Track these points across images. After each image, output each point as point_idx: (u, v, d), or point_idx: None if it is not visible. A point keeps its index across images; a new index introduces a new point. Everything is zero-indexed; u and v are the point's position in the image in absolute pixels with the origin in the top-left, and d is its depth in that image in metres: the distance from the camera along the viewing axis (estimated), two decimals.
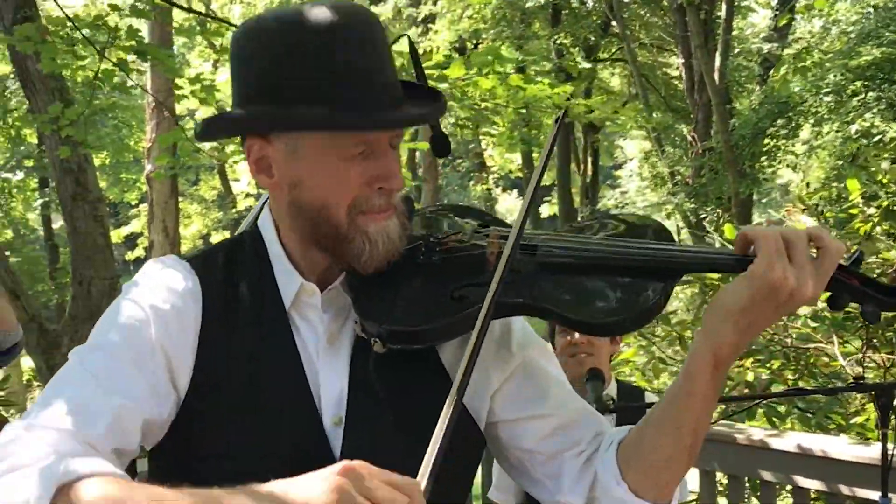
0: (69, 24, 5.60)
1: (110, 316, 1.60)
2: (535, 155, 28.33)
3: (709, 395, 1.55)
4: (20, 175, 25.39)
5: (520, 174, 29.49)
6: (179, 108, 15.89)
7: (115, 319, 1.58)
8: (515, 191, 39.60)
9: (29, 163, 23.48)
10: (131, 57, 6.11)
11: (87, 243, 10.57)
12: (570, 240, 1.64)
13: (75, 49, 6.04)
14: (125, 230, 25.67)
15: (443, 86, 6.15)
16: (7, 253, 24.12)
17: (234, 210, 24.62)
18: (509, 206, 44.81)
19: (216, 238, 29.12)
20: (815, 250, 1.50)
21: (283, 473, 1.49)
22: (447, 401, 1.37)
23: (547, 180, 31.07)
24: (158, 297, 1.59)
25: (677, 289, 5.54)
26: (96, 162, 23.14)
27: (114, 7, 5.62)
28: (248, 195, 24.13)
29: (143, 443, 1.55)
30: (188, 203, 26.81)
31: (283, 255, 1.66)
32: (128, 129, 24.40)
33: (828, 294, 1.57)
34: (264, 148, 1.60)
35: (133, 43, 5.59)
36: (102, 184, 24.62)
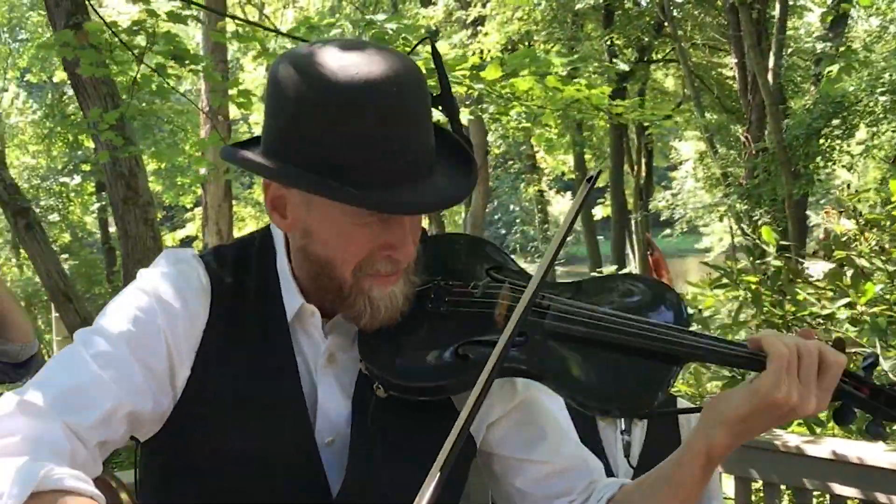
0: (108, 29, 5.67)
1: (120, 301, 1.58)
2: (587, 157, 28.25)
3: (696, 485, 1.56)
4: (78, 179, 25.80)
5: (572, 176, 29.35)
6: (234, 112, 16.03)
7: (124, 306, 1.56)
8: (569, 193, 39.43)
9: (86, 167, 23.84)
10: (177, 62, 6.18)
11: (138, 246, 10.69)
12: (583, 309, 1.58)
13: (114, 54, 6.10)
14: (181, 233, 25.99)
15: (478, 86, 6.15)
16: (65, 256, 24.58)
17: None
18: (562, 208, 44.66)
19: None
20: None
21: (271, 483, 1.50)
22: (447, 443, 1.33)
23: (600, 182, 30.96)
24: (170, 290, 1.57)
25: (718, 292, 5.51)
26: (153, 166, 23.49)
27: (151, 13, 5.69)
28: None
29: (130, 433, 1.54)
30: (242, 206, 27.04)
31: (288, 272, 1.63)
32: (183, 133, 24.70)
33: (836, 406, 1.54)
34: (281, 190, 1.55)
35: (171, 48, 5.65)
36: (158, 187, 25.00)
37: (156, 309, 1.55)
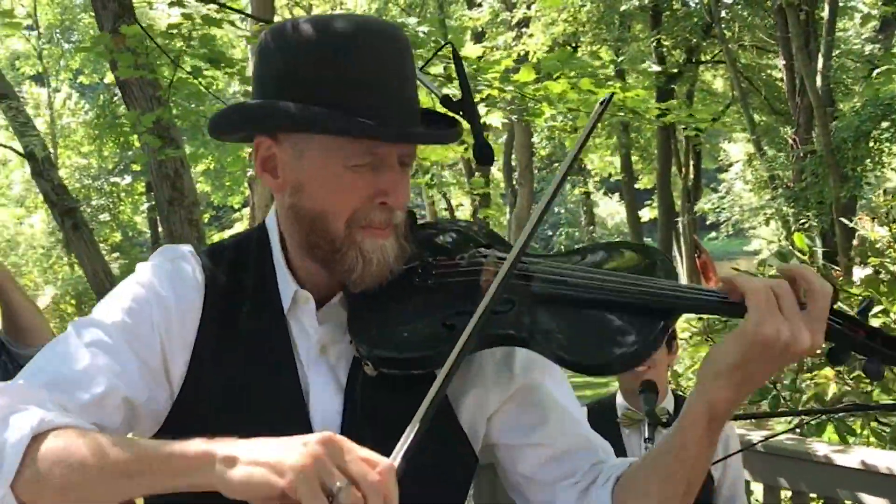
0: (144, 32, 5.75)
1: (116, 294, 1.61)
2: (634, 158, 28.09)
3: (703, 448, 1.51)
4: (128, 179, 26.15)
5: (619, 177, 29.19)
6: None
7: (120, 298, 1.60)
8: (617, 194, 39.25)
9: (136, 167, 24.15)
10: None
11: None
12: (567, 271, 1.59)
13: (150, 57, 6.19)
14: (228, 233, 26.21)
15: (508, 89, 6.14)
16: (116, 255, 24.90)
17: None
18: (611, 209, 44.46)
19: None
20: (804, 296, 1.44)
21: None
22: (427, 398, 1.35)
23: (647, 183, 30.75)
24: (165, 284, 1.60)
25: None
26: (201, 167, 23.72)
27: (187, 16, 5.76)
28: None
29: (126, 425, 1.54)
30: None
31: (282, 260, 1.65)
32: None
33: (829, 346, 1.51)
34: (272, 147, 1.58)
35: (206, 51, 5.73)
36: (207, 188, 25.27)
37: (150, 303, 1.58)
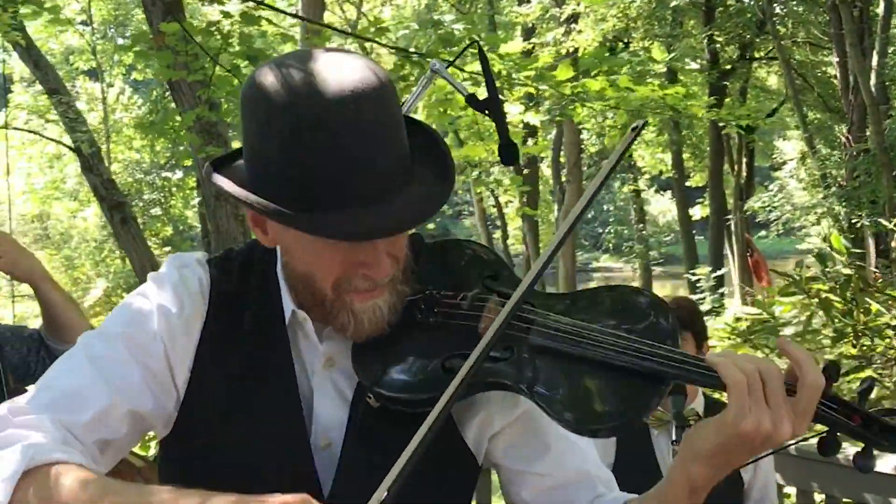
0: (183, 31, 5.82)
1: (123, 306, 1.66)
2: (685, 155, 27.83)
3: None
4: (179, 174, 26.42)
5: (671, 174, 28.94)
6: None
7: (125, 309, 1.65)
8: (668, 192, 38.91)
9: (188, 162, 24.39)
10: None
11: (228, 242, 10.91)
12: (568, 325, 1.56)
13: (196, 56, 6.25)
14: None
15: (542, 87, 6.12)
16: (167, 248, 25.16)
17: None
18: (662, 207, 44.13)
19: None
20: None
21: (265, 483, 1.51)
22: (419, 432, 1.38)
23: (699, 181, 30.46)
24: (168, 294, 1.63)
25: (787, 300, 5.39)
26: None
27: (226, 15, 5.82)
28: None
29: (134, 433, 1.59)
30: None
31: (283, 279, 1.66)
32: None
33: (822, 435, 1.45)
34: None
35: (245, 49, 5.77)
36: None
37: (153, 312, 1.61)
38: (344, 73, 1.46)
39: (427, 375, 1.58)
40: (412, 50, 6.69)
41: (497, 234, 29.32)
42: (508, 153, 2.45)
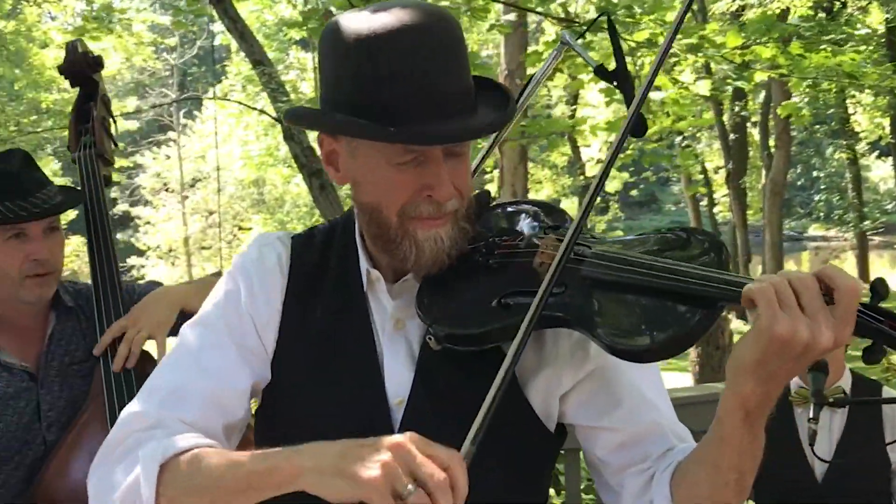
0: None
1: (215, 290, 1.82)
2: None
3: (745, 441, 1.50)
4: None
5: (891, 139, 27.43)
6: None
7: (216, 294, 1.81)
8: (890, 158, 36.90)
9: None
10: None
11: None
12: (618, 255, 1.61)
13: None
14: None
15: (710, 53, 5.94)
16: None
17: (582, 177, 24.86)
18: (884, 173, 41.86)
19: (565, 203, 29.58)
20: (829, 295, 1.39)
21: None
22: (497, 379, 1.44)
23: None
24: (250, 271, 1.79)
25: None
26: None
27: None
28: (598, 161, 24.27)
29: (247, 409, 1.75)
30: (539, 168, 27.40)
31: (360, 242, 1.78)
32: None
33: (867, 345, 1.43)
34: (333, 144, 1.71)
35: None
36: None
37: (237, 291, 1.77)
38: (411, 11, 1.60)
39: (484, 310, 1.64)
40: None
41: (704, 202, 28.66)
42: (637, 124, 2.49)
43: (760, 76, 6.52)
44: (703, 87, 6.50)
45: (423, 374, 1.70)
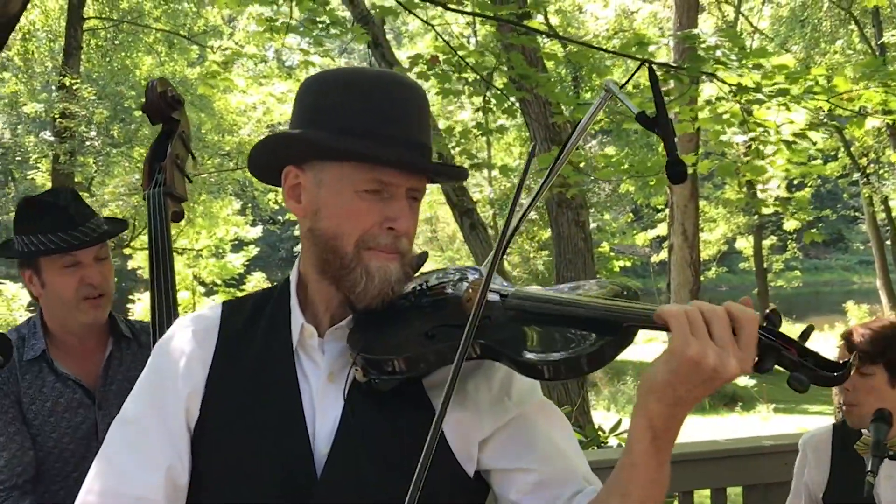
0: (452, 53, 6.05)
1: (138, 383, 1.86)
2: None
3: (651, 465, 1.57)
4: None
5: None
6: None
7: (139, 387, 1.85)
8: None
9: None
10: None
11: (569, 247, 11.14)
12: (535, 293, 1.75)
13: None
14: (651, 233, 26.35)
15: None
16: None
17: (756, 216, 24.17)
18: None
19: (740, 243, 28.78)
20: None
21: (275, 499, 1.69)
22: (429, 436, 1.50)
23: None
24: (165, 357, 1.85)
25: None
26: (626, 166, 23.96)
27: (470, 23, 5.98)
28: (777, 199, 23.50)
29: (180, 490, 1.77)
30: (713, 207, 26.78)
31: (295, 296, 1.83)
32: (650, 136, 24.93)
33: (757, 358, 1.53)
34: (298, 176, 1.78)
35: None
36: (631, 187, 25.52)
37: (160, 376, 1.83)
38: (399, 75, 1.81)
39: (411, 340, 1.73)
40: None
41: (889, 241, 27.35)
42: (676, 171, 2.52)
43: (872, 120, 6.21)
44: (817, 134, 6.23)
45: (348, 418, 1.73)
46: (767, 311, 1.56)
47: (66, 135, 17.53)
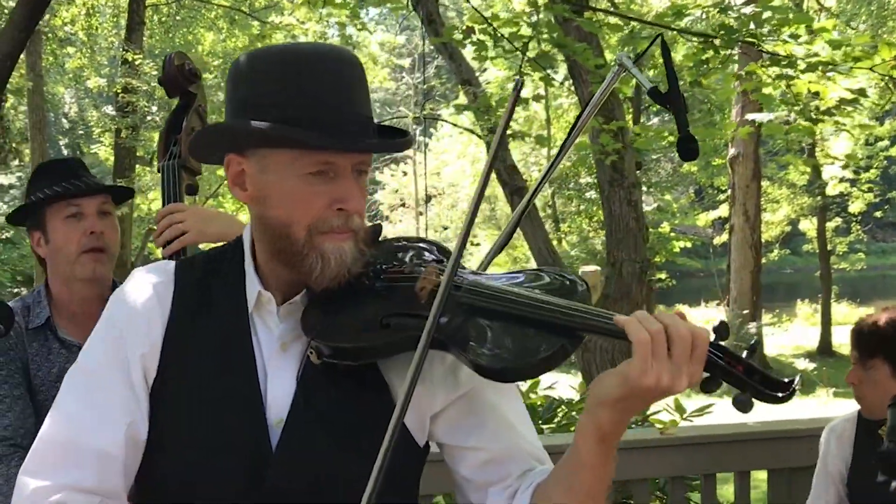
0: (487, 24, 6.00)
1: (95, 334, 1.86)
2: None
3: (597, 465, 1.65)
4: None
5: None
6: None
7: (97, 337, 1.85)
8: None
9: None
10: None
11: (620, 226, 11.03)
12: (492, 286, 1.74)
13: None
14: (713, 214, 25.99)
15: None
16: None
17: (819, 197, 23.72)
18: None
19: (804, 224, 28.29)
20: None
21: (228, 463, 1.71)
22: (390, 425, 1.55)
23: None
24: (125, 309, 1.83)
25: None
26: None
27: (532, 3, 5.90)
28: (841, 180, 23.07)
29: (139, 447, 1.77)
30: (776, 187, 26.34)
31: (251, 264, 1.83)
32: (720, 113, 24.56)
33: (706, 376, 1.61)
34: (241, 163, 1.77)
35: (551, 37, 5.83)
36: (693, 168, 25.21)
37: (118, 329, 1.81)
38: (332, 47, 1.77)
39: (365, 328, 1.75)
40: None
41: None
42: (687, 148, 2.52)
43: None
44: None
45: (304, 392, 1.76)
46: (716, 323, 1.64)
47: (129, 109, 17.73)
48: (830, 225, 26.17)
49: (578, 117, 2.75)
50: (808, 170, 23.51)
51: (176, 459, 1.73)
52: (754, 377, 1.60)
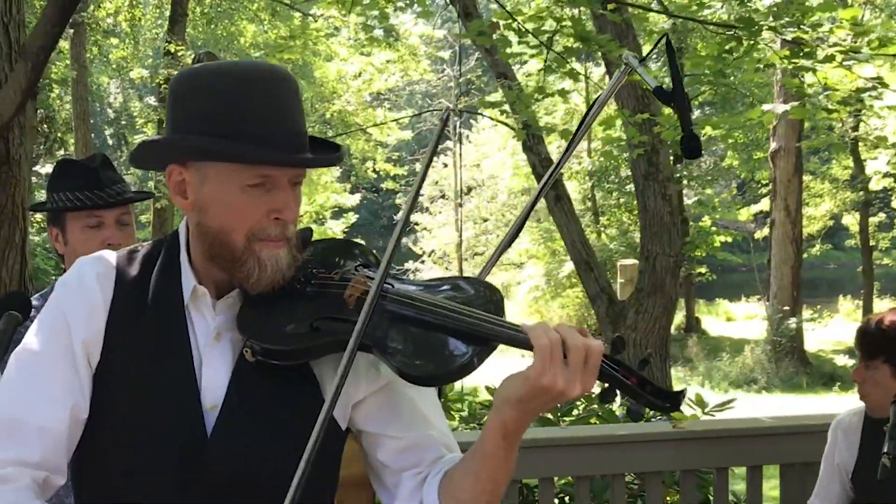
0: (512, 19, 6.01)
1: (41, 317, 1.92)
2: None
3: (500, 456, 1.81)
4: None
5: None
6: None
7: (40, 320, 1.91)
8: None
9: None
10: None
11: (655, 220, 11.02)
12: (416, 295, 1.88)
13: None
14: (754, 208, 25.79)
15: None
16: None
17: (861, 192, 23.46)
18: None
19: (846, 220, 27.99)
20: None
21: (164, 445, 1.82)
22: (319, 419, 1.72)
23: None
24: (70, 296, 1.90)
25: None
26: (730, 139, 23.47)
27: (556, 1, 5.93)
28: (885, 175, 22.79)
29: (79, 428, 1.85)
30: (819, 182, 26.09)
31: (186, 259, 1.93)
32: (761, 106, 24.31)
33: (604, 387, 1.78)
34: (182, 174, 1.86)
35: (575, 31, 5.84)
36: (735, 162, 25.02)
37: (63, 315, 1.87)
38: (266, 65, 1.90)
39: (296, 331, 1.88)
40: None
41: None
42: (690, 146, 2.56)
43: None
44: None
45: (238, 382, 1.86)
46: (613, 337, 1.78)
47: None
48: (873, 220, 25.90)
49: (585, 115, 2.80)
50: (851, 164, 23.30)
51: (115, 442, 1.83)
52: (647, 388, 1.76)
